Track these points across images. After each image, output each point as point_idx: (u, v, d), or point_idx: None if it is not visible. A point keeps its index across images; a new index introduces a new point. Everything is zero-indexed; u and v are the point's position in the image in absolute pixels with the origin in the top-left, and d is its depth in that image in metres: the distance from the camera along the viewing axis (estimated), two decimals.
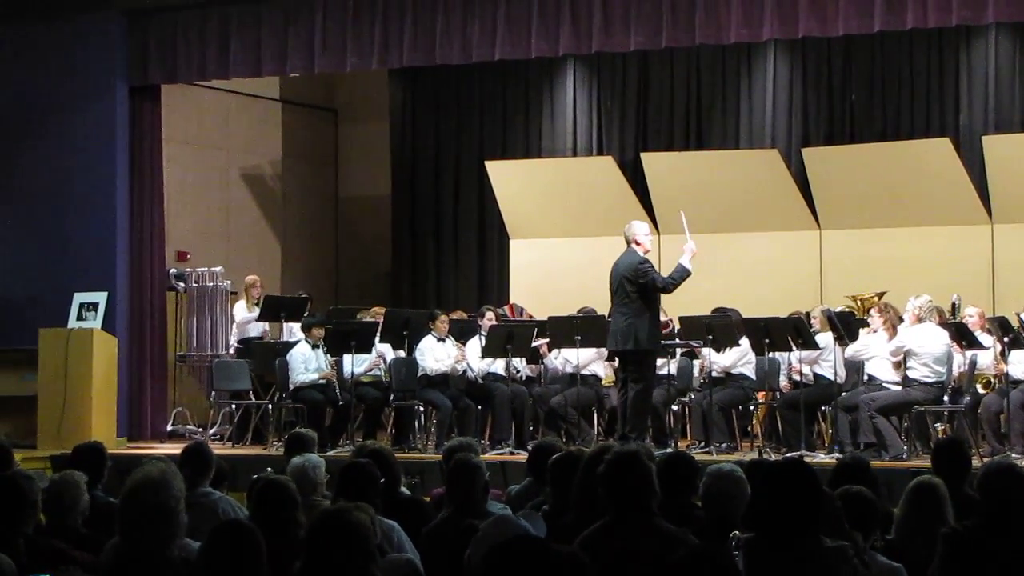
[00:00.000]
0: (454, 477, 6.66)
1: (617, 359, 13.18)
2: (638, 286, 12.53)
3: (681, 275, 12.65)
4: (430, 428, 14.72)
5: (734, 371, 13.82)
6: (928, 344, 12.68)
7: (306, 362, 14.43)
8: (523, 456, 13.08)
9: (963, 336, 12.88)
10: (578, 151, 19.10)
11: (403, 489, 7.95)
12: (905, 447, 12.54)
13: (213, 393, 15.93)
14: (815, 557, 4.95)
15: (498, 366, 14.43)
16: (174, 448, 12.04)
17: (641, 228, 12.94)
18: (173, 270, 17.06)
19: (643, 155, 18.10)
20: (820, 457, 12.39)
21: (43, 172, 16.12)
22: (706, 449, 13.15)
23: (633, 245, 12.79)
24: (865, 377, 13.22)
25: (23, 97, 16.32)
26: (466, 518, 6.26)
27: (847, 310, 14.87)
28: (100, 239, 15.89)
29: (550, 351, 14.59)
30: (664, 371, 13.62)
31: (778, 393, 13.87)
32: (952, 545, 5.65)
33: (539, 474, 7.60)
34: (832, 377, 13.17)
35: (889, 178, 16.28)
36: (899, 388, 12.78)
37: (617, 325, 12.66)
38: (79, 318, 15.50)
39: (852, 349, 13.12)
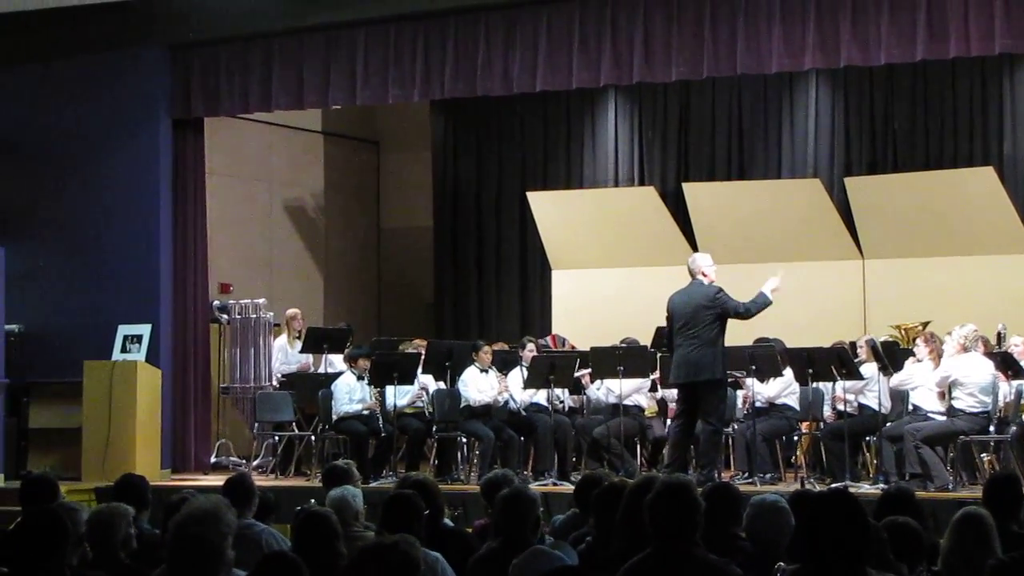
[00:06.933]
0: (507, 508, 6.59)
1: (681, 390, 12.95)
2: (716, 315, 12.47)
3: (763, 302, 12.57)
4: (473, 459, 14.69)
5: (778, 401, 13.77)
6: (973, 374, 12.59)
7: (350, 392, 14.45)
8: (566, 487, 13.08)
9: (1009, 365, 12.80)
10: (620, 181, 19.12)
11: (446, 521, 7.94)
12: (951, 478, 12.44)
13: (256, 425, 15.95)
14: None
15: (540, 397, 14.42)
16: (218, 480, 12.05)
17: (706, 260, 12.84)
18: (216, 302, 17.10)
19: (685, 185, 18.09)
20: (865, 488, 12.31)
21: (87, 205, 16.22)
22: (750, 480, 13.08)
23: (700, 277, 12.68)
24: (910, 407, 13.14)
25: (67, 131, 16.43)
26: (513, 550, 6.23)
27: (892, 339, 14.79)
28: (144, 272, 15.96)
29: (592, 382, 14.56)
30: None
31: (822, 423, 13.83)
32: None
33: (586, 505, 7.57)
34: (877, 407, 13.10)
35: (932, 207, 16.21)
36: (944, 418, 12.69)
37: (686, 356, 12.47)
38: (123, 350, 15.56)
39: (897, 379, 13.05)
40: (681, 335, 12.54)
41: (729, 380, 13.84)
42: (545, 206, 18.48)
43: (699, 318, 12.45)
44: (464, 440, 14.58)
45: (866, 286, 16.88)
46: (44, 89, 16.61)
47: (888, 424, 13.05)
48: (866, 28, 13.25)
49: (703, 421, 12.53)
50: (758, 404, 13.66)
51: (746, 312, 12.57)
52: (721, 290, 12.54)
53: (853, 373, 12.91)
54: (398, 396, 14.33)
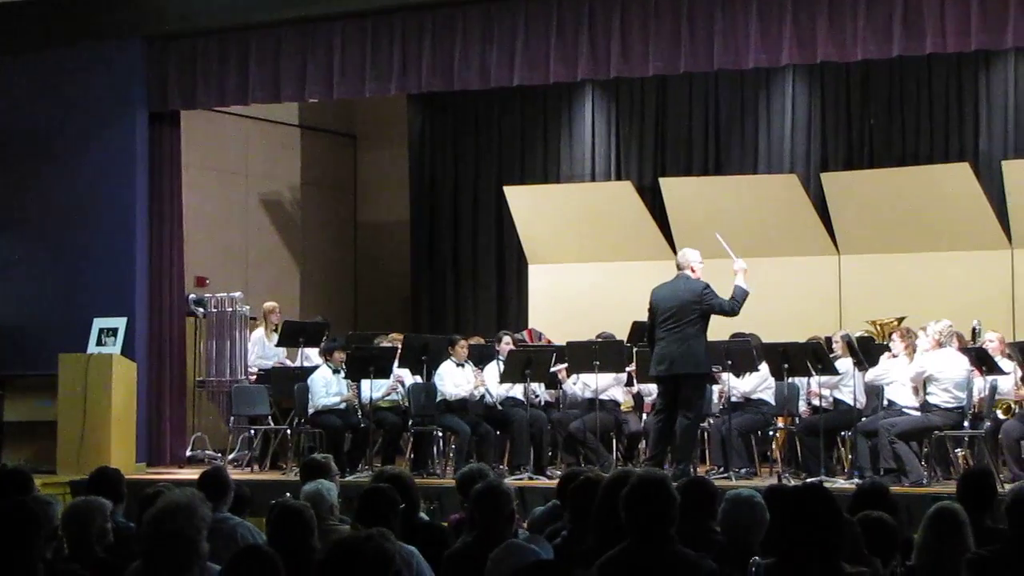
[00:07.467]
0: (482, 502, 6.60)
1: (661, 383, 12.89)
2: (702, 311, 12.47)
3: (743, 296, 12.56)
4: (449, 453, 14.70)
5: (753, 396, 13.79)
6: (948, 369, 12.64)
7: (327, 386, 14.43)
8: (542, 481, 13.11)
9: (983, 361, 12.83)
10: (596, 176, 19.12)
11: (422, 514, 7.94)
12: (925, 473, 12.49)
13: (232, 418, 15.93)
14: None
15: (516, 391, 14.42)
16: (193, 473, 12.03)
17: (696, 256, 12.74)
18: (192, 295, 17.06)
19: (661, 180, 18.10)
20: (840, 483, 12.32)
21: (63, 198, 16.18)
22: (725, 474, 13.11)
23: (688, 272, 12.65)
24: (885, 402, 13.18)
25: (43, 123, 16.39)
26: (489, 544, 6.24)
27: (867, 335, 14.83)
28: (120, 264, 15.93)
29: (568, 376, 14.56)
30: None
31: (797, 418, 13.86)
32: (977, 571, 5.63)
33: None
34: (852, 402, 13.14)
35: (908, 203, 16.25)
36: (919, 413, 12.74)
37: (668, 350, 12.42)
38: (99, 343, 15.53)
39: (872, 373, 13.09)
40: (664, 328, 12.49)
41: None
42: (522, 200, 18.48)
43: (684, 313, 12.42)
44: (440, 434, 14.57)
45: (842, 281, 16.92)
46: (19, 81, 16.55)
47: (863, 419, 13.08)
48: (843, 24, 13.28)
49: (680, 415, 12.53)
50: (734, 399, 13.68)
51: (731, 310, 12.55)
52: (708, 287, 12.50)
53: (828, 368, 12.95)
54: (374, 389, 14.32)
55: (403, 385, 14.75)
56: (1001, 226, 16.06)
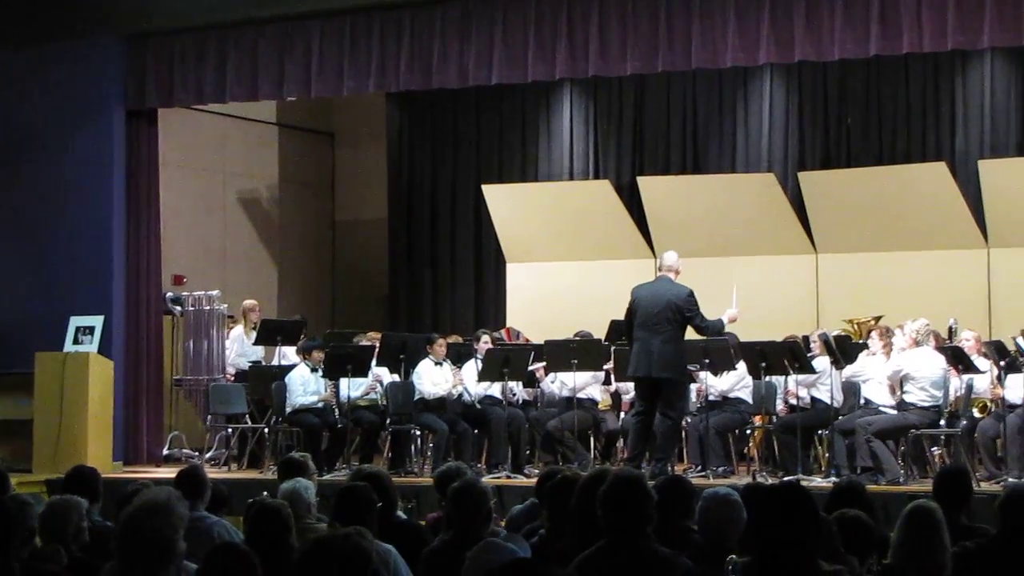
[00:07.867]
0: (458, 500, 6.60)
1: (640, 384, 12.95)
2: (683, 317, 12.54)
3: (719, 329, 12.81)
4: (427, 452, 14.69)
5: (731, 395, 13.81)
6: (925, 368, 12.67)
7: (305, 385, 14.40)
8: (520, 480, 13.11)
9: (959, 360, 12.86)
10: (575, 175, 19.12)
11: (399, 513, 7.94)
12: (902, 471, 12.52)
13: (209, 417, 15.89)
14: None
15: (494, 390, 14.42)
16: (170, 472, 12.01)
17: (678, 258, 12.90)
18: (169, 294, 17.01)
19: (639, 179, 18.12)
20: (817, 481, 12.36)
21: (40, 195, 16.12)
22: (703, 473, 13.12)
23: (672, 274, 12.74)
24: (862, 401, 13.20)
25: (20, 120, 16.33)
26: (466, 542, 6.24)
27: (844, 334, 14.86)
28: (96, 263, 15.88)
29: (547, 375, 14.57)
30: None
31: (775, 417, 13.87)
32: (963, 564, 5.66)
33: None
34: (829, 401, 13.16)
35: (885, 202, 16.29)
36: (896, 412, 12.77)
37: (647, 350, 12.52)
38: (75, 342, 15.48)
39: (850, 370, 13.13)
40: (644, 329, 12.55)
41: None
42: (500, 199, 18.47)
43: (665, 315, 12.49)
44: (418, 433, 14.56)
45: (819, 280, 16.95)
46: None
47: (840, 418, 13.10)
48: (820, 23, 13.32)
49: (662, 415, 12.57)
50: (711, 397, 13.70)
51: (704, 329, 12.78)
52: (692, 294, 12.59)
53: (806, 367, 12.96)
54: (352, 388, 14.31)
55: (381, 384, 14.74)
56: (977, 225, 16.10)
